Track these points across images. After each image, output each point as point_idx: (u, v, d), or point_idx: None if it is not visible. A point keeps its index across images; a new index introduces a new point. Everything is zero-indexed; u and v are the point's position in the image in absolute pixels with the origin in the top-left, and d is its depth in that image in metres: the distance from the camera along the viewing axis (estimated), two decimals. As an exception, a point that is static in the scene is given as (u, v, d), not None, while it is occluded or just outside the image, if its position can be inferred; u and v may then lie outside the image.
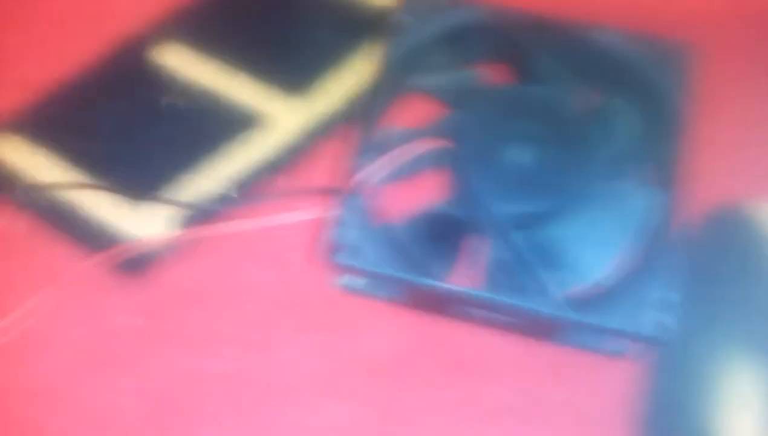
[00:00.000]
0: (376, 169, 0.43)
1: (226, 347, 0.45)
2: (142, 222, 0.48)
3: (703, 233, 0.45)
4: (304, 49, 0.52)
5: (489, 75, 0.47)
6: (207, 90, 0.51)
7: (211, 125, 0.50)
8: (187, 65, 0.52)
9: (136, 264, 0.47)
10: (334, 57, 0.51)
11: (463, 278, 0.42)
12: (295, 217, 0.46)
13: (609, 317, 0.39)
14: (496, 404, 0.43)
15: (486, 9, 0.47)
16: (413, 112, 0.47)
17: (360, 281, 0.44)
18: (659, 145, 0.44)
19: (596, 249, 0.42)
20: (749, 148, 0.48)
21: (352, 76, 0.51)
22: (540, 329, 0.42)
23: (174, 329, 0.45)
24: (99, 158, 0.50)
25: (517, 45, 0.46)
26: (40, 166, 0.49)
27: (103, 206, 0.48)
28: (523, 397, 0.43)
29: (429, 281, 0.41)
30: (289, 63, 0.52)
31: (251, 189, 0.48)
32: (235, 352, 0.45)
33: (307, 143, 0.49)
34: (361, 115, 0.45)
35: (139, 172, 0.49)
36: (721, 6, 0.52)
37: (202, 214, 0.47)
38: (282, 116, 0.50)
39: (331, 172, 0.47)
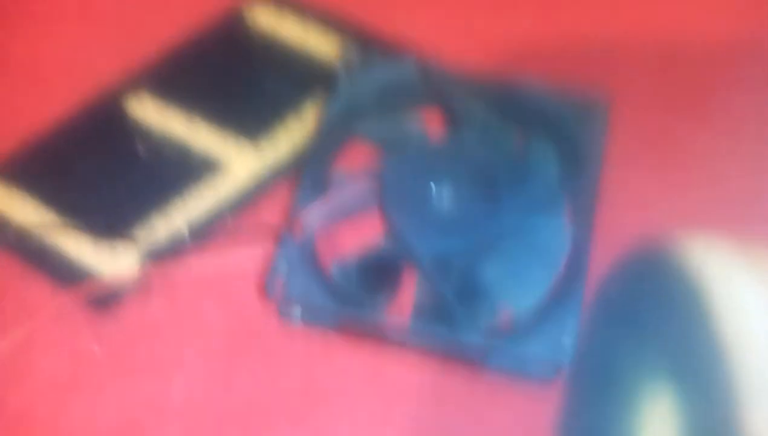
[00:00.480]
0: (316, 211, 0.47)
1: (186, 376, 0.48)
2: (111, 261, 0.52)
3: (624, 266, 0.49)
4: (262, 100, 0.56)
5: (422, 123, 0.51)
6: (173, 138, 0.55)
7: (175, 171, 0.54)
8: (155, 115, 0.56)
9: (105, 300, 0.50)
10: (288, 107, 0.55)
11: (396, 310, 0.46)
12: (248, 255, 0.50)
13: (517, 342, 0.42)
14: (432, 428, 0.46)
15: (419, 64, 0.51)
16: (353, 158, 0.51)
17: (305, 314, 0.47)
18: (577, 187, 0.47)
19: (517, 283, 0.46)
20: (661, 191, 0.51)
21: (304, 125, 0.55)
22: (465, 355, 0.46)
23: (139, 359, 0.49)
24: (73, 202, 0.54)
25: (448, 97, 0.50)
26: (19, 208, 0.53)
27: (75, 246, 0.52)
28: (452, 420, 0.46)
29: (363, 315, 0.45)
30: (248, 113, 0.56)
31: (210, 230, 0.52)
32: (195, 380, 0.48)
33: (261, 187, 0.53)
34: (304, 161, 0.49)
35: (109, 214, 0.53)
36: (634, 63, 0.56)
37: (166, 254, 0.51)
38: (239, 162, 0.54)
39: (283, 213, 0.51)
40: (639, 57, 0.56)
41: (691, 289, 0.47)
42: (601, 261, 0.48)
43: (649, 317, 0.47)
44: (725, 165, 0.52)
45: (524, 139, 0.50)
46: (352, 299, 0.45)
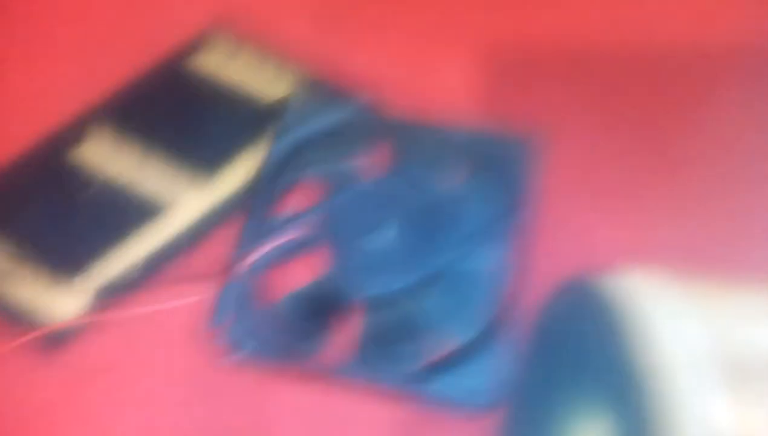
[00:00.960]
0: (258, 254, 0.48)
1: (132, 416, 0.49)
2: (59, 303, 0.52)
3: (562, 297, 0.50)
4: (209, 141, 0.57)
5: (365, 165, 0.52)
6: (120, 179, 0.56)
7: (123, 211, 0.55)
8: (103, 156, 0.57)
9: (53, 342, 0.51)
10: (235, 148, 0.56)
11: (336, 350, 0.47)
12: (192, 298, 0.51)
13: (450, 385, 0.44)
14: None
15: (364, 106, 0.52)
16: (297, 200, 0.52)
17: (248, 354, 0.48)
18: (513, 223, 0.49)
19: (456, 318, 0.47)
20: (593, 227, 0.53)
21: (250, 166, 0.55)
22: (408, 389, 0.46)
23: (86, 399, 0.49)
24: (21, 242, 0.54)
25: (391, 137, 0.51)
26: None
27: (22, 287, 0.52)
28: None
29: (305, 354, 0.46)
30: (195, 154, 0.56)
31: (158, 269, 0.53)
32: (141, 419, 0.48)
33: (208, 227, 0.54)
34: (247, 204, 0.50)
35: (58, 255, 0.53)
36: (571, 94, 0.58)
37: (114, 294, 0.52)
38: (187, 203, 0.55)
39: (228, 254, 0.52)
40: (577, 89, 0.58)
41: (626, 319, 0.48)
42: (540, 292, 0.49)
43: (585, 347, 0.48)
44: (661, 195, 0.54)
45: (464, 177, 0.51)
46: (294, 338, 0.46)
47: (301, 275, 0.49)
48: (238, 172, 0.56)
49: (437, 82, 0.59)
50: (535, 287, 0.48)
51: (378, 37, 0.61)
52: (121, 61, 0.61)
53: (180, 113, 0.59)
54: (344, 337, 0.48)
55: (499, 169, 0.50)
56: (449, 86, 0.58)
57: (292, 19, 0.63)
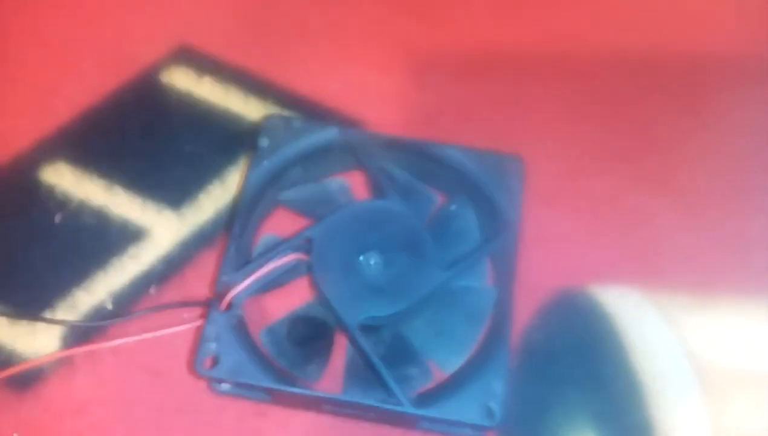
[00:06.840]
0: (242, 283, 0.47)
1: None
2: (31, 339, 0.50)
3: (546, 314, 0.50)
4: (182, 165, 0.55)
5: (346, 188, 0.52)
6: (92, 206, 0.54)
7: (96, 240, 0.53)
8: (72, 183, 0.55)
9: (26, 381, 0.49)
10: (209, 171, 0.55)
11: (324, 379, 0.46)
12: (175, 327, 0.49)
13: (447, 409, 0.43)
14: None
15: (341, 130, 0.51)
16: (280, 223, 0.51)
17: (236, 388, 0.47)
18: (498, 247, 0.49)
19: (444, 344, 0.47)
20: (576, 242, 0.53)
21: (226, 189, 0.54)
22: (397, 420, 0.46)
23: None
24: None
25: (370, 161, 0.50)
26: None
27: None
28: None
29: (295, 387, 0.44)
30: (168, 178, 0.55)
31: (135, 301, 0.51)
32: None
33: (186, 255, 0.52)
34: (228, 230, 0.49)
35: (28, 290, 0.51)
36: (547, 119, 0.58)
37: (89, 329, 0.50)
38: (162, 230, 0.53)
39: (209, 282, 0.50)
40: (552, 113, 0.58)
41: (607, 334, 0.50)
42: (525, 310, 0.49)
43: (570, 362, 0.49)
44: (635, 215, 0.55)
45: (446, 202, 0.51)
46: (283, 371, 0.45)
47: (289, 303, 0.48)
48: (216, 196, 0.54)
49: (418, 105, 0.58)
50: (522, 303, 0.48)
51: (346, 62, 0.61)
52: (87, 84, 0.59)
53: (153, 136, 0.57)
54: (334, 367, 0.47)
55: (482, 193, 0.50)
56: (429, 109, 0.58)
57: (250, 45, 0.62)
